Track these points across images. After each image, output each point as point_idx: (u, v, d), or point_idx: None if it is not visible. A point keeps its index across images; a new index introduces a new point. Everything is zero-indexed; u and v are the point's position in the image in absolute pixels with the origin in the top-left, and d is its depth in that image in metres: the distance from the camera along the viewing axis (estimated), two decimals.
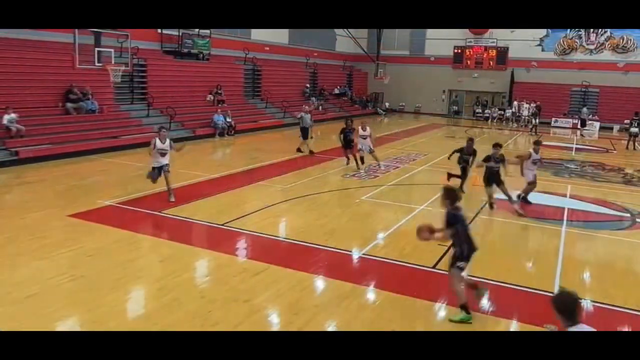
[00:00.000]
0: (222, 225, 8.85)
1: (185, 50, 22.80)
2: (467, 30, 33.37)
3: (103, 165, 14.04)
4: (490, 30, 32.79)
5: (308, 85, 30.98)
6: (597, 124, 30.64)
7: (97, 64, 15.58)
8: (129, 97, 19.53)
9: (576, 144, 23.63)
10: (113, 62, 16.20)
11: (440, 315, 6.09)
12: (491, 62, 35.22)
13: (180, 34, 22.26)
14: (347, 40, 34.96)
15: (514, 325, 5.82)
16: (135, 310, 6.19)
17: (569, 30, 32.41)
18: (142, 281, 6.84)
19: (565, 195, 12.26)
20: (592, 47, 32.93)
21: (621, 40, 32.02)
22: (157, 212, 9.39)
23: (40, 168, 13.23)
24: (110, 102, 18.15)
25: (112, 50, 16.26)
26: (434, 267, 7.35)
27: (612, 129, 30.23)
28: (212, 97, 22.61)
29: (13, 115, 13.96)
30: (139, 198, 10.26)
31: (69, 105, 16.18)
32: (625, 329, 5.94)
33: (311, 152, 16.68)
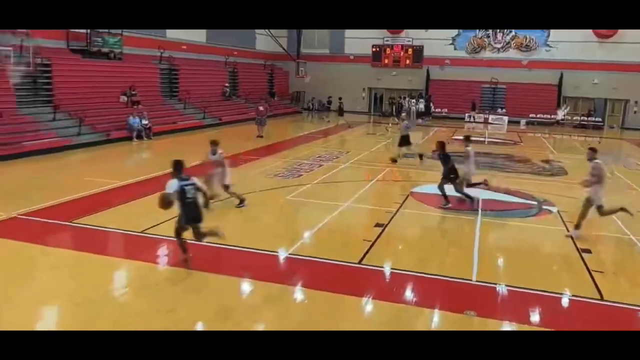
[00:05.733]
0: (141, 232, 8.48)
1: (95, 49, 21.58)
2: (384, 29, 34.34)
3: (3, 173, 12.96)
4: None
5: (227, 84, 30.44)
6: (506, 118, 32.79)
7: None
8: (32, 100, 18.16)
9: (488, 138, 25.11)
10: (12, 61, 15.01)
11: (367, 310, 6.23)
12: (408, 61, 36.48)
13: (88, 32, 21.04)
14: (266, 39, 34.75)
15: (436, 314, 6.08)
16: (47, 328, 5.77)
17: (478, 30, 34.44)
18: (57, 297, 6.40)
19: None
20: (499, 45, 35.13)
21: (525, 39, 34.43)
22: (67, 222, 8.83)
23: None
24: (10, 106, 16.78)
25: (11, 49, 15.07)
26: (359, 262, 7.50)
27: (519, 122, 32.44)
28: (126, 98, 21.59)
29: None
30: (45, 208, 9.59)
31: None
32: (535, 308, 6.38)
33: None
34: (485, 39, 35.27)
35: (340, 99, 30.69)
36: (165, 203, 6.98)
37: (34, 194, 10.71)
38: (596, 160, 8.87)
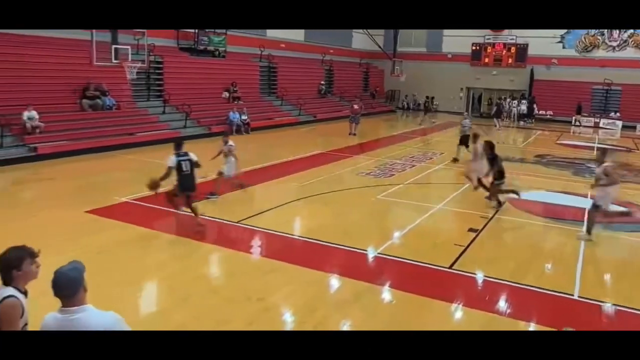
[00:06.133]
0: (238, 222, 8.88)
1: (202, 48, 22.99)
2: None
3: (119, 161, 14.17)
4: None
5: (323, 82, 30.88)
6: (620, 123, 30.09)
7: (113, 61, 15.74)
8: (146, 94, 19.71)
9: (598, 144, 23.23)
10: (130, 59, 16.35)
11: (456, 316, 6.03)
12: (510, 60, 34.70)
13: (196, 31, 22.41)
14: (363, 37, 34.73)
15: (531, 327, 5.73)
16: (148, 307, 6.26)
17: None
18: (156, 277, 6.91)
19: (585, 196, 12.05)
20: (614, 44, 32.30)
21: None
22: (172, 209, 9.47)
23: (58, 164, 13.45)
24: (127, 99, 18.35)
25: (129, 47, 16.41)
26: (450, 267, 7.28)
27: (635, 127, 29.61)
28: (228, 94, 22.69)
29: (33, 113, 14.19)
30: (152, 195, 10.36)
31: (84, 102, 16.41)
32: None
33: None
34: (599, 37, 32.62)
35: (427, 97, 30.10)
36: (153, 185, 8.41)
37: (144, 181, 11.58)
38: (606, 164, 8.64)
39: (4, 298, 2.84)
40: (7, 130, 13.67)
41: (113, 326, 2.79)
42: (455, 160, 15.96)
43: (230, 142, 10.62)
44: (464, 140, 15.92)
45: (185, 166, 8.36)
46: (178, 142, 8.74)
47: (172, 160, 8.30)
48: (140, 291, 6.48)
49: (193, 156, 8.51)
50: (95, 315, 2.80)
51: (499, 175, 10.41)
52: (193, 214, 8.55)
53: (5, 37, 15.06)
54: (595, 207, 8.59)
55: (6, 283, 2.91)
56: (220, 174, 10.46)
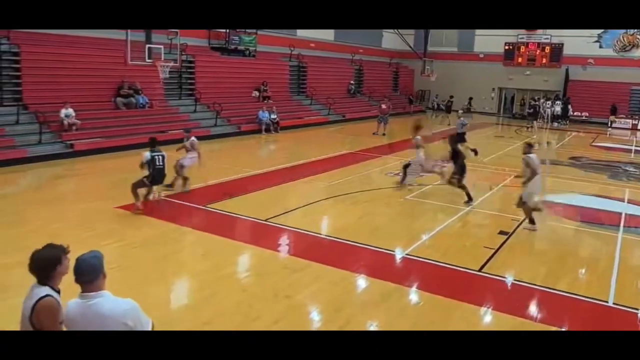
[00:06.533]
0: (265, 220, 8.95)
1: (232, 47, 23.25)
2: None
3: None
4: None
5: (352, 82, 30.82)
6: None
7: (147, 60, 16.05)
8: (177, 93, 20.04)
9: (635, 146, 22.49)
10: (162, 58, 16.65)
11: (484, 320, 5.92)
12: (544, 59, 33.87)
13: (227, 31, 22.66)
14: (393, 37, 34.48)
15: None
16: (177, 302, 6.37)
17: None
18: (185, 274, 7.02)
19: (622, 200, 11.68)
20: None
21: None
22: (201, 206, 9.60)
23: (93, 160, 13.81)
24: (160, 98, 18.71)
25: (162, 46, 16.72)
26: (479, 270, 7.16)
27: None
28: (258, 94, 22.88)
29: (70, 110, 14.63)
30: (185, 192, 10.51)
31: (118, 100, 16.83)
32: None
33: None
34: (638, 36, 31.55)
35: (450, 96, 29.82)
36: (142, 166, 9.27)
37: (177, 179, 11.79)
38: (528, 155, 8.95)
39: (41, 298, 2.91)
40: (46, 127, 14.13)
41: (129, 312, 2.90)
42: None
43: (193, 138, 11.18)
44: (459, 139, 15.86)
45: (159, 161, 9.27)
46: (153, 140, 9.61)
47: (146, 156, 9.23)
48: (168, 286, 6.60)
49: (164, 153, 9.38)
50: (111, 301, 2.93)
51: (460, 169, 10.56)
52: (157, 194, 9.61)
53: (44, 37, 15.56)
54: (522, 202, 8.86)
55: (42, 282, 2.97)
56: (182, 173, 10.58)
